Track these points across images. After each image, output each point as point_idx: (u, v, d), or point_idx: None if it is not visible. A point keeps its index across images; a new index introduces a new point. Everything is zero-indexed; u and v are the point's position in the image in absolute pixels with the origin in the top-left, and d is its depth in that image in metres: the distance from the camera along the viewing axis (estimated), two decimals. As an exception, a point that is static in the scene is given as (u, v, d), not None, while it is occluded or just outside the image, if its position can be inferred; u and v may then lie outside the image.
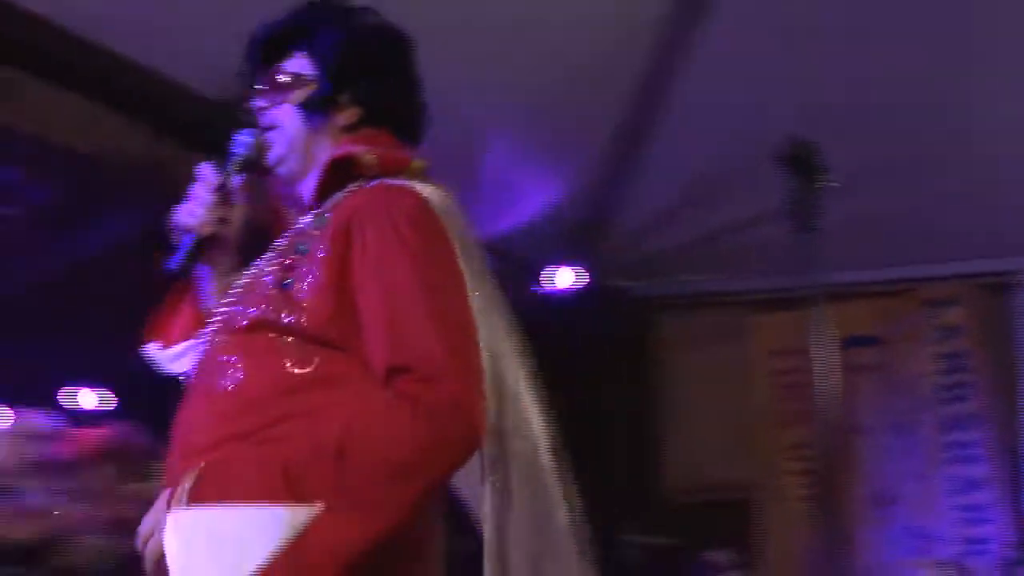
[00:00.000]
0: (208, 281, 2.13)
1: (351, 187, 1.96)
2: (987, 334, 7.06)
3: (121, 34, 4.53)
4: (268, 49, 2.13)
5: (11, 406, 4.92)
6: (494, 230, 6.42)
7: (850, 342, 6.73)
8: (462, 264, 1.87)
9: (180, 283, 2.15)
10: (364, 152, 1.99)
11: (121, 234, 5.94)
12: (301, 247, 1.89)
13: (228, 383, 1.82)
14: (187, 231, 2.04)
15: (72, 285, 6.13)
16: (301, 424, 1.73)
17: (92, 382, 7.77)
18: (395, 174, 1.97)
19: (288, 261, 1.89)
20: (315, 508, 1.59)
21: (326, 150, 2.05)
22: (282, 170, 2.10)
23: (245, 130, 2.10)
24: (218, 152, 2.05)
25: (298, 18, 2.13)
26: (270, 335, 1.82)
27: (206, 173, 2.08)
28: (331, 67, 2.07)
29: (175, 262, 2.02)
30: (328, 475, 1.62)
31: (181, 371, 2.09)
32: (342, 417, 1.70)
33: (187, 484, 1.68)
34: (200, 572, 1.62)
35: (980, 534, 6.71)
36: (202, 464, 1.72)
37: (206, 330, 2.01)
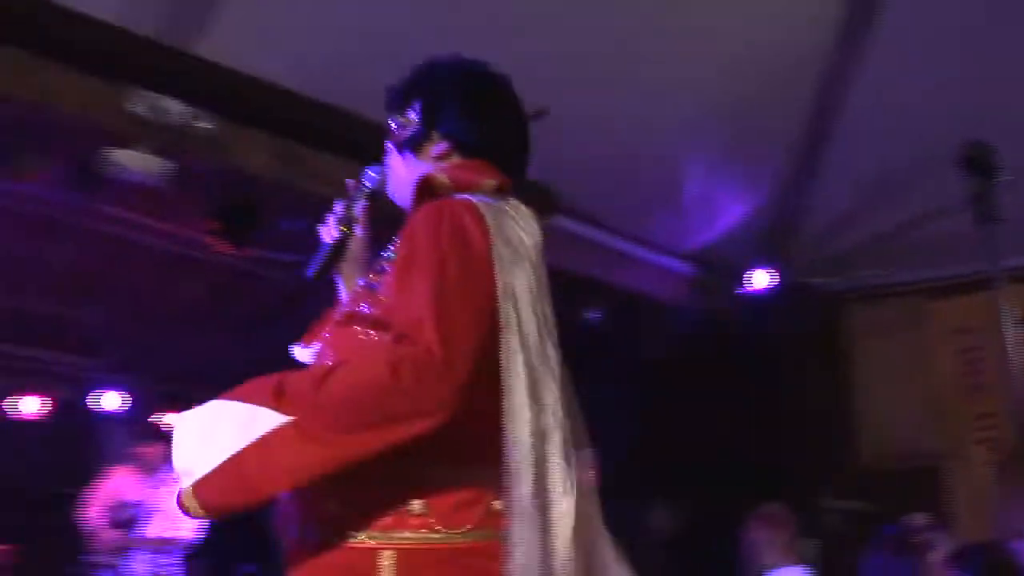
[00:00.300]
0: (341, 288, 2.23)
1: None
2: None
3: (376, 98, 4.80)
4: (392, 100, 2.20)
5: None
6: (698, 241, 6.46)
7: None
8: (499, 272, 1.82)
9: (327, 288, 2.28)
10: (439, 174, 2.02)
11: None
12: (387, 256, 1.99)
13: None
14: (324, 242, 2.18)
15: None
16: None
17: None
18: (465, 191, 1.97)
19: (381, 266, 1.99)
20: (285, 418, 1.65)
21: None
22: (396, 199, 2.19)
23: (375, 166, 2.20)
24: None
25: (415, 72, 2.21)
26: (356, 328, 1.89)
27: (339, 201, 2.20)
28: (425, 109, 2.13)
29: (311, 268, 2.17)
30: (305, 397, 1.67)
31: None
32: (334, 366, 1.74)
33: None
34: (187, 448, 1.72)
35: None
36: None
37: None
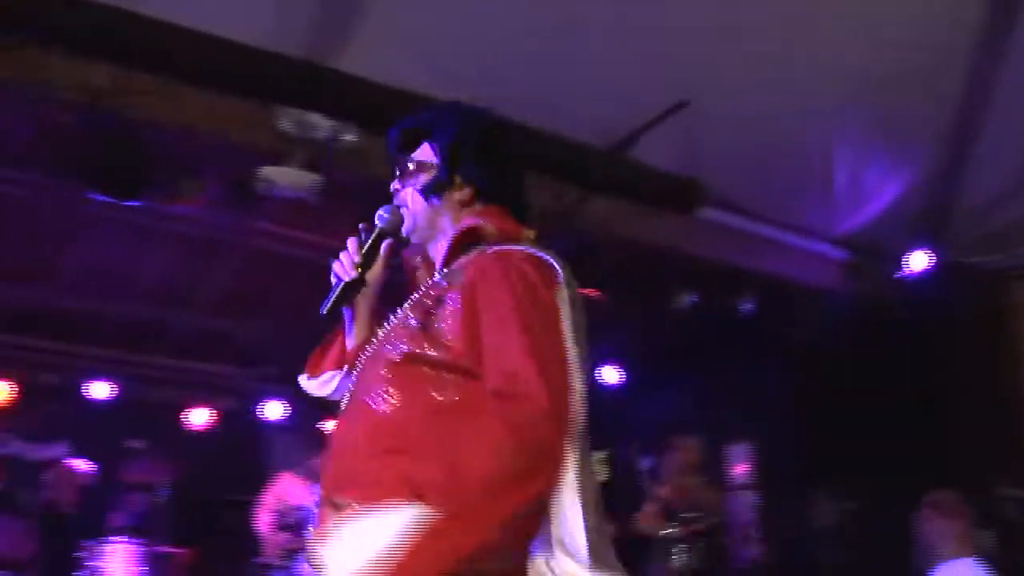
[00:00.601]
0: (351, 323, 2.30)
1: (475, 251, 2.10)
2: None
3: (518, 105, 4.82)
4: (403, 140, 2.29)
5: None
6: (850, 225, 6.28)
7: None
8: (564, 311, 1.95)
9: (335, 325, 2.34)
10: (486, 224, 2.15)
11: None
12: (439, 298, 2.05)
13: (384, 407, 1.97)
14: (338, 279, 2.23)
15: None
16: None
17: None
18: (512, 241, 2.10)
19: (429, 308, 2.04)
20: (430, 511, 1.72)
21: (448, 222, 2.21)
22: (413, 239, 2.26)
23: (386, 206, 2.25)
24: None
25: (426, 115, 2.31)
26: (419, 367, 1.97)
27: (352, 239, 2.25)
28: (446, 155, 2.22)
29: (325, 304, 2.22)
30: (443, 486, 1.76)
31: (327, 395, 2.31)
32: (455, 437, 1.84)
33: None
34: (344, 559, 1.80)
35: None
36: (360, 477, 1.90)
37: (358, 361, 2.17)
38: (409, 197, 2.24)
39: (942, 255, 6.41)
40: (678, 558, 6.11)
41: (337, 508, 1.90)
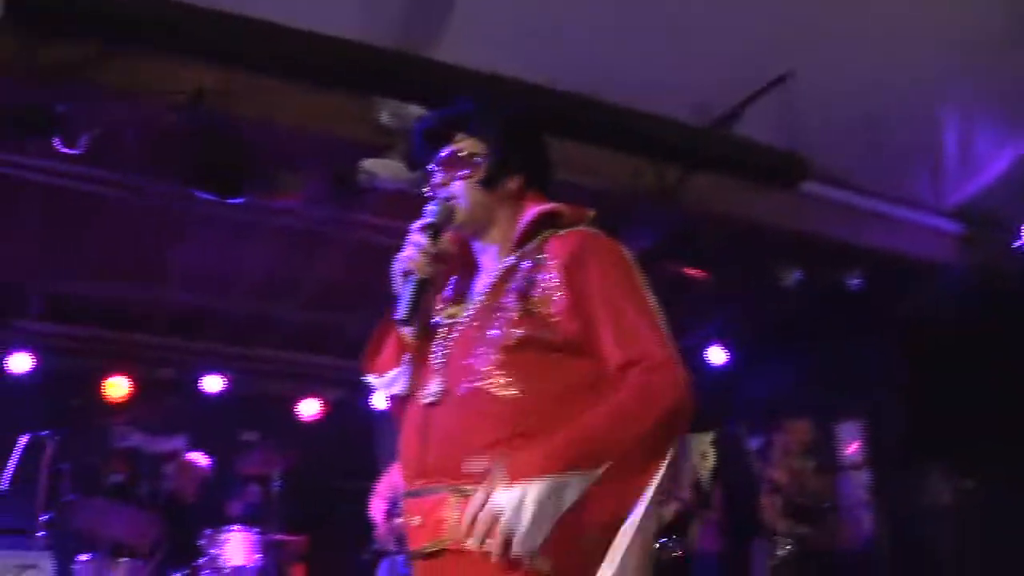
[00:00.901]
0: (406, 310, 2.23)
1: (546, 233, 2.18)
2: None
3: (614, 86, 4.78)
4: (440, 133, 2.29)
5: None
6: (963, 196, 6.08)
7: None
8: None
9: (385, 318, 2.29)
10: (560, 208, 2.22)
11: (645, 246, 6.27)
12: (529, 279, 2.11)
13: (507, 392, 2.02)
14: (408, 277, 2.18)
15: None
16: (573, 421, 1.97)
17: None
18: (581, 223, 2.22)
19: (523, 290, 2.10)
20: (602, 469, 1.88)
21: (505, 210, 2.26)
22: (467, 230, 2.27)
23: (434, 201, 2.24)
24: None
25: (461, 107, 2.32)
26: (534, 351, 2.04)
27: (416, 230, 2.22)
28: (498, 145, 2.25)
29: (403, 311, 2.16)
30: (608, 447, 1.91)
31: (397, 392, 2.24)
32: (607, 409, 1.96)
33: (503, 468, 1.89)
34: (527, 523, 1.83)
35: None
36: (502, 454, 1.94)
37: (435, 353, 2.17)
38: (464, 189, 2.25)
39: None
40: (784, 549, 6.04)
41: (463, 496, 1.96)
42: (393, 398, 2.30)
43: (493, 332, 2.08)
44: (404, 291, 2.19)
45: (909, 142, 5.62)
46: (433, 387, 2.12)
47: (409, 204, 4.90)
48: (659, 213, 5.53)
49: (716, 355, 8.28)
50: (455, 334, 2.17)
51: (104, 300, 7.49)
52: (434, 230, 2.21)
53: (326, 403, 9.20)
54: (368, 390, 7.53)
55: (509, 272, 2.18)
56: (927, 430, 6.46)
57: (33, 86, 4.04)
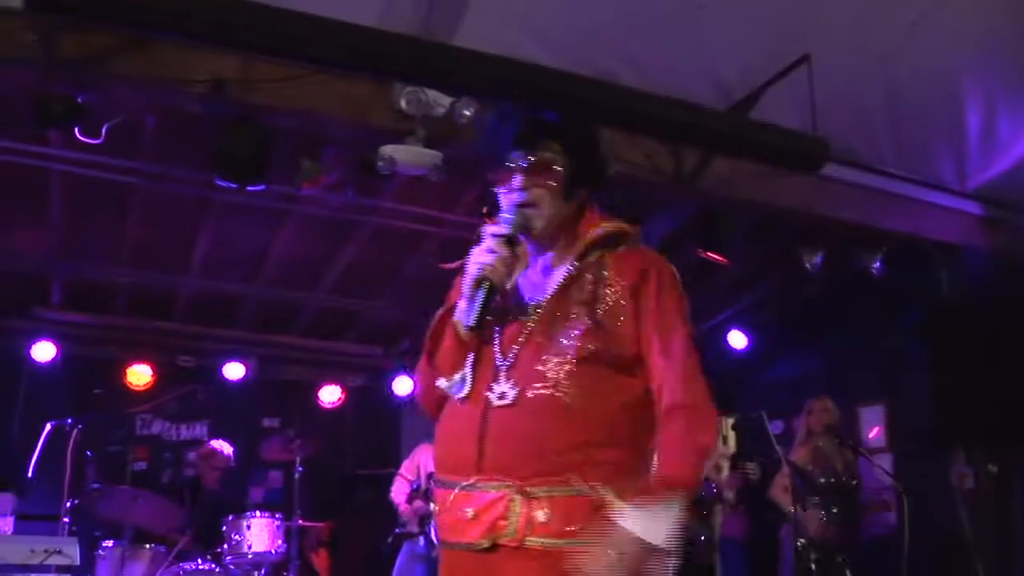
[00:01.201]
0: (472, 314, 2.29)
1: (601, 247, 2.31)
2: None
3: (633, 70, 4.76)
4: (531, 139, 2.30)
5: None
6: (985, 178, 6.03)
7: None
8: None
9: (441, 319, 2.35)
10: (624, 227, 2.35)
11: (665, 232, 6.26)
12: (595, 293, 2.24)
13: (576, 401, 2.14)
14: (482, 284, 2.21)
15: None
16: (637, 434, 2.20)
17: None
18: (636, 241, 2.36)
19: (591, 304, 2.23)
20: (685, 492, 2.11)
21: (571, 220, 2.35)
22: (541, 236, 2.32)
23: (508, 208, 2.28)
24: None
25: (553, 116, 2.41)
26: (601, 364, 2.18)
27: (491, 234, 2.25)
28: (580, 159, 2.32)
29: (473, 317, 2.21)
30: (687, 481, 2.12)
31: (463, 394, 2.26)
32: (680, 446, 2.16)
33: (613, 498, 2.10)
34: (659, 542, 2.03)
35: None
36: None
37: (500, 355, 2.24)
38: (546, 197, 2.28)
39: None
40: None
41: (529, 497, 2.10)
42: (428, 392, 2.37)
43: (565, 342, 2.19)
44: (476, 297, 2.21)
45: (931, 124, 5.57)
46: (503, 389, 2.19)
47: (430, 189, 4.96)
48: (679, 198, 5.51)
49: (737, 339, 8.26)
50: (521, 338, 2.24)
51: (125, 288, 7.53)
52: (511, 238, 2.24)
53: (346, 389, 9.23)
54: (390, 376, 7.55)
55: (572, 281, 2.27)
56: (949, 414, 6.42)
57: (54, 76, 4.05)
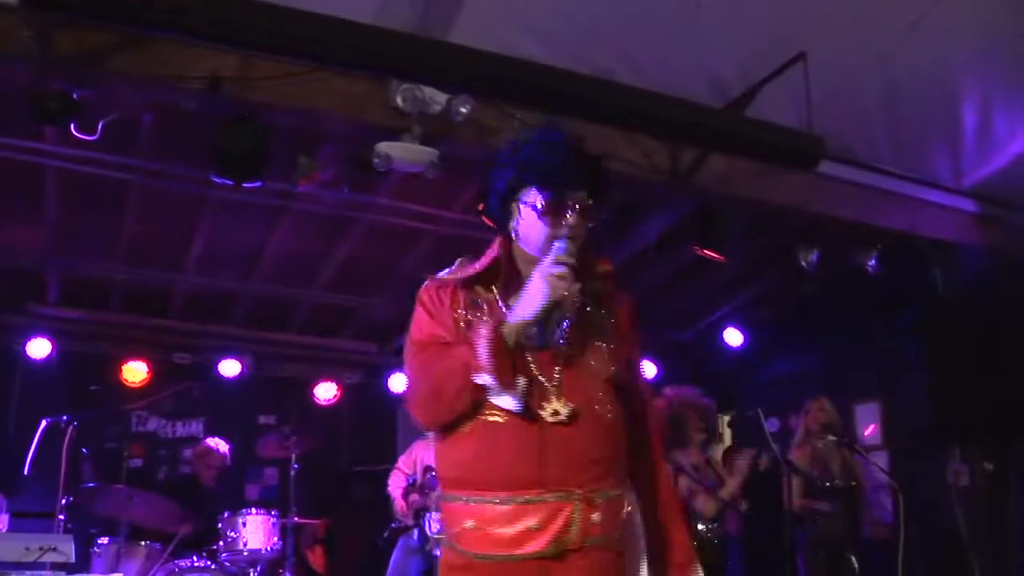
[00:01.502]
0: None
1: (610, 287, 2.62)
2: None
3: (629, 67, 4.76)
4: (587, 182, 2.45)
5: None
6: (981, 176, 6.04)
7: None
8: None
9: (494, 335, 2.37)
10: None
11: (662, 229, 6.27)
12: (603, 328, 2.55)
13: (612, 418, 2.47)
14: (557, 308, 2.36)
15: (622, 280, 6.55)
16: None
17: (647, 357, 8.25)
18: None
19: (602, 334, 2.53)
20: None
21: (583, 251, 2.47)
22: (577, 268, 2.40)
23: (563, 240, 2.38)
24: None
25: (592, 163, 2.50)
26: (613, 385, 2.50)
27: (562, 263, 2.36)
28: (601, 200, 2.50)
29: (544, 338, 2.41)
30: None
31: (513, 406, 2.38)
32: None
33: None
34: None
35: None
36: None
37: (550, 379, 2.42)
38: (584, 232, 2.46)
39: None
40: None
41: (590, 504, 2.36)
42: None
43: (595, 364, 2.49)
44: (549, 319, 2.40)
45: (928, 122, 5.58)
46: (555, 407, 2.38)
47: (425, 187, 4.96)
48: (676, 195, 5.51)
49: (733, 337, 8.27)
50: (560, 360, 2.44)
51: (121, 285, 7.52)
52: (573, 269, 2.37)
53: (342, 386, 9.22)
54: (386, 372, 7.54)
55: (583, 311, 2.49)
56: (945, 412, 6.44)
57: (49, 73, 4.05)
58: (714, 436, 6.27)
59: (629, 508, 2.50)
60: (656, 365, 8.52)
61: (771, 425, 7.19)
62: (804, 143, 4.83)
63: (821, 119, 4.86)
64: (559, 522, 2.33)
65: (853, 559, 6.01)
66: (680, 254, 6.17)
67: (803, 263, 6.15)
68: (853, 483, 6.28)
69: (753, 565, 6.50)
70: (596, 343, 2.50)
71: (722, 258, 5.62)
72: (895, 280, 6.44)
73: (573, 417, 2.37)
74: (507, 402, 2.34)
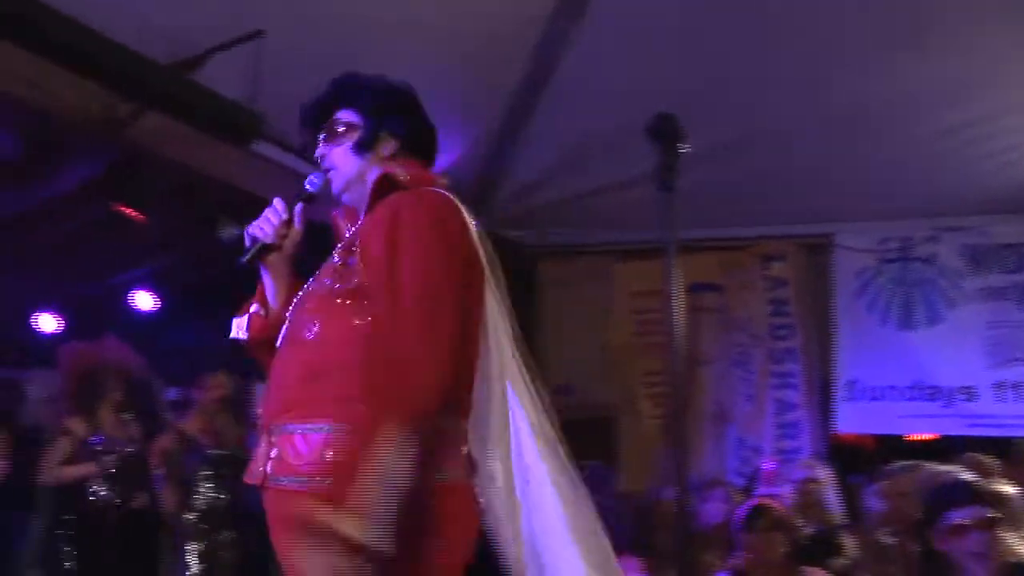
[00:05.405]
0: (269, 281, 2.51)
1: (394, 195, 2.31)
2: (807, 285, 7.46)
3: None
4: (317, 112, 2.47)
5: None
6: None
7: (696, 287, 7.15)
8: (472, 244, 2.27)
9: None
10: (399, 171, 2.34)
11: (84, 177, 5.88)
12: (354, 236, 2.31)
13: (310, 336, 2.21)
14: (255, 239, 2.43)
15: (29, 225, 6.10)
16: None
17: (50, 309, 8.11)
18: (426, 186, 2.33)
19: (351, 247, 2.27)
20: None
21: (375, 174, 2.39)
22: (345, 197, 2.45)
23: (316, 172, 2.45)
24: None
25: (337, 86, 2.48)
26: (338, 298, 2.21)
27: (278, 200, 2.46)
28: (373, 112, 2.41)
29: (242, 260, 2.45)
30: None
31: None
32: None
33: None
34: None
35: (793, 446, 7.16)
36: None
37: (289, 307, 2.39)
38: (339, 157, 2.40)
39: (482, 226, 6.77)
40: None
41: (271, 434, 2.19)
42: None
43: (316, 285, 2.30)
44: (249, 246, 2.45)
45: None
46: (280, 338, 2.38)
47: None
48: (103, 145, 5.22)
49: (144, 300, 8.03)
50: (303, 291, 2.36)
51: None
52: (308, 198, 2.43)
53: None
54: None
55: (353, 236, 2.33)
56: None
57: None
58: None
59: (337, 447, 2.06)
60: (61, 319, 8.16)
61: (171, 394, 7.14)
62: (242, 118, 4.84)
63: (270, 100, 4.88)
64: (258, 455, 2.26)
65: (234, 538, 6.08)
66: (99, 207, 5.86)
67: (223, 237, 6.13)
68: (244, 457, 6.38)
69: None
70: (334, 260, 2.32)
71: (143, 218, 5.43)
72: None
73: (280, 348, 2.32)
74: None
